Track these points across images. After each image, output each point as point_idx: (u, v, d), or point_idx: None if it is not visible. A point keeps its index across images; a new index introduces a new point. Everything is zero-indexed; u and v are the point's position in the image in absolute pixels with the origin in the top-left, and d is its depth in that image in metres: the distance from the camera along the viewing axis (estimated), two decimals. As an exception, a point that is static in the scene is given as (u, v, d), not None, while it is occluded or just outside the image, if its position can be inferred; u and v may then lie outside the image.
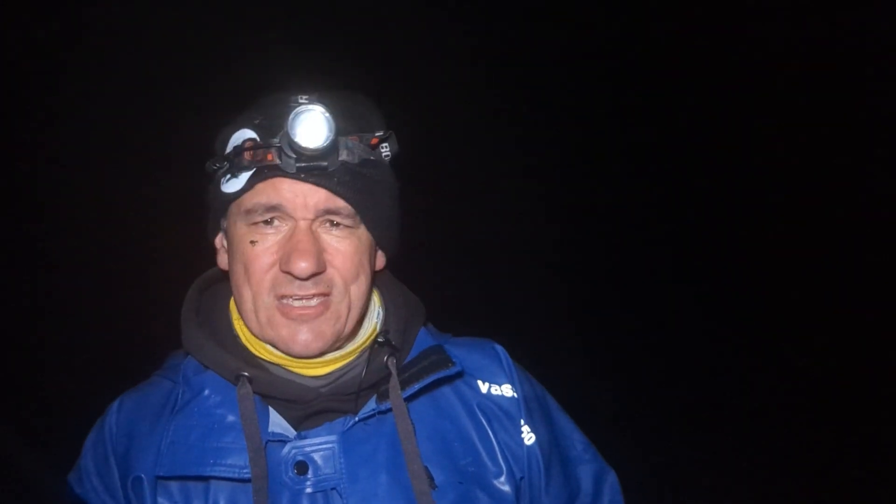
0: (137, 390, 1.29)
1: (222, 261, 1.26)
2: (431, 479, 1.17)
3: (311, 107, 1.09)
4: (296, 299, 1.16)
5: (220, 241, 1.28)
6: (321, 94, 1.17)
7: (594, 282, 5.80)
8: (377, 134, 1.20)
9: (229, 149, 1.17)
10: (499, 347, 1.39)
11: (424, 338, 1.32)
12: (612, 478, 1.40)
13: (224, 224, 1.23)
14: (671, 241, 5.99)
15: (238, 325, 1.26)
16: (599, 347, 5.32)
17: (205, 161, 1.22)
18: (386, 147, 1.24)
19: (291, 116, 1.08)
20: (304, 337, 1.16)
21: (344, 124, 1.15)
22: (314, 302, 1.16)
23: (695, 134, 5.95)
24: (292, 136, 1.08)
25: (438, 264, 4.46)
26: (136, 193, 4.27)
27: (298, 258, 1.12)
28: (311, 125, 1.09)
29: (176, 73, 4.42)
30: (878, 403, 4.72)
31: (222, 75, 4.32)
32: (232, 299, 1.28)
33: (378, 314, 1.31)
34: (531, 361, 1.48)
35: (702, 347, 5.54)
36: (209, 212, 1.26)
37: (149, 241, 3.98)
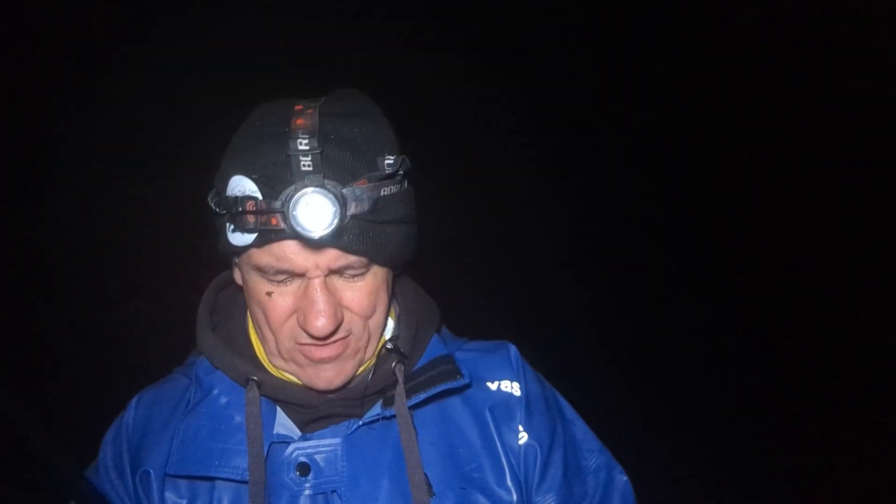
0: (156, 386, 1.33)
1: (238, 276, 1.22)
2: (430, 486, 1.16)
3: (314, 192, 1.00)
4: (316, 346, 1.15)
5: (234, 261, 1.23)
6: (321, 114, 1.07)
7: (610, 283, 5.65)
8: (388, 165, 1.08)
9: (229, 191, 1.09)
10: (511, 347, 1.36)
11: (436, 345, 1.29)
12: (623, 484, 1.35)
13: (236, 261, 1.19)
14: (688, 241, 5.79)
15: (252, 335, 1.27)
16: (616, 350, 5.16)
17: (211, 163, 1.20)
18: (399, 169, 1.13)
19: (294, 200, 0.99)
20: (327, 375, 1.16)
21: (350, 167, 1.05)
22: (334, 342, 1.15)
23: (707, 134, 5.69)
24: (294, 223, 1.00)
25: (453, 265, 4.42)
26: (150, 197, 4.31)
27: (315, 319, 1.08)
28: (316, 212, 1.00)
29: (179, 73, 4.43)
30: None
31: (222, 69, 4.31)
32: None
33: (389, 323, 1.28)
34: (548, 364, 1.46)
35: (717, 350, 5.31)
36: (217, 242, 1.20)
37: (166, 244, 4.02)
